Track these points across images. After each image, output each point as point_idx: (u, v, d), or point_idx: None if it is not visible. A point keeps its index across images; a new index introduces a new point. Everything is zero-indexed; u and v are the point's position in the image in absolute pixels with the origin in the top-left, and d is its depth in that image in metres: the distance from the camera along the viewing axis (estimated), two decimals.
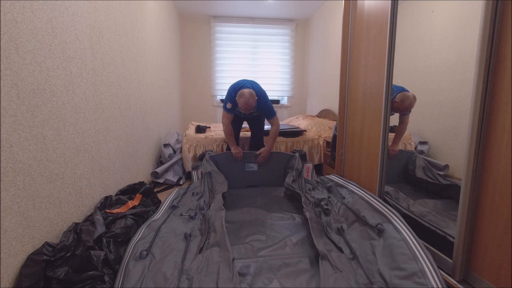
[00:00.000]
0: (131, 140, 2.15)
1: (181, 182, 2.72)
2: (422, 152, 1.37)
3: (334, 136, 2.38)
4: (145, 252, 1.17)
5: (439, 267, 1.17)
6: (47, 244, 1.08)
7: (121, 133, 1.94)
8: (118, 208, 1.55)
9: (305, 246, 1.40)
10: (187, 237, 1.38)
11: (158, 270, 1.11)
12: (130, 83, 2.11)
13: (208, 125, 3.68)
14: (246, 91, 2.19)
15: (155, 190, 2.36)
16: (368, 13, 1.71)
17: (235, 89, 2.30)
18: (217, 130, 3.38)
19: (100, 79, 1.62)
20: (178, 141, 3.24)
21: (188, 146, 2.85)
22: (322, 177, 2.16)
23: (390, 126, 1.56)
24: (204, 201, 1.89)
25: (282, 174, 2.48)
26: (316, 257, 1.29)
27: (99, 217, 1.32)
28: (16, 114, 0.98)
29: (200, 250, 1.28)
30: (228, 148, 2.62)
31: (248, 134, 2.96)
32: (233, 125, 2.47)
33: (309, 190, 2.08)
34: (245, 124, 3.05)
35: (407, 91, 1.45)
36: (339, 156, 2.14)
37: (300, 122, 3.71)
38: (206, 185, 2.08)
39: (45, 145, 1.14)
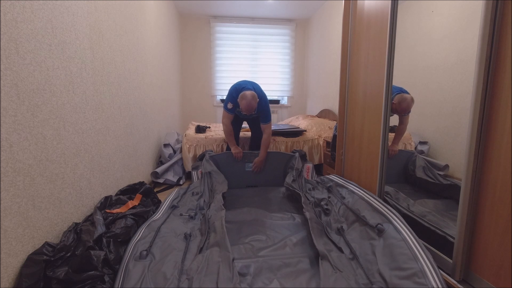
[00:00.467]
0: (131, 140, 2.15)
1: (181, 182, 2.72)
2: (422, 152, 1.37)
3: (334, 136, 2.38)
4: (145, 252, 1.17)
5: (439, 267, 1.17)
6: (47, 244, 1.08)
7: (121, 133, 1.94)
8: (118, 208, 1.55)
9: (305, 246, 1.40)
10: (187, 237, 1.38)
11: (158, 270, 1.11)
12: (130, 83, 2.11)
13: (208, 125, 3.68)
14: (248, 93, 2.19)
15: (155, 190, 2.36)
16: (368, 13, 1.71)
17: (237, 89, 2.30)
18: (217, 130, 3.38)
19: (100, 79, 1.62)
20: (178, 141, 3.24)
21: (188, 146, 2.85)
22: (322, 177, 2.16)
23: (390, 126, 1.56)
24: (204, 201, 1.89)
25: (282, 174, 2.48)
26: (316, 257, 1.29)
27: (99, 217, 1.32)
28: (16, 114, 0.98)
29: (200, 250, 1.28)
30: (228, 148, 2.62)
31: (248, 134, 2.96)
32: (233, 125, 2.47)
33: (309, 190, 2.08)
34: (245, 124, 3.05)
35: (406, 92, 1.45)
36: (339, 156, 2.14)
37: (300, 122, 3.71)
38: (206, 185, 2.08)
39: (45, 145, 1.14)
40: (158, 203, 1.83)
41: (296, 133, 3.09)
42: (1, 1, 0.92)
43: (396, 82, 1.50)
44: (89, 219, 1.34)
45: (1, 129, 0.91)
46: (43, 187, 1.12)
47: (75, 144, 1.36)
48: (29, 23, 1.05)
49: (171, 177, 2.65)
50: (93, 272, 1.02)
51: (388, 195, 1.58)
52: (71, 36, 1.33)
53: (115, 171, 1.83)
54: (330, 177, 2.04)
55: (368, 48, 1.72)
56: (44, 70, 1.13)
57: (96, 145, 1.58)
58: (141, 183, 1.88)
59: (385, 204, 1.40)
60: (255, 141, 2.71)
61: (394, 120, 1.55)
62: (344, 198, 1.69)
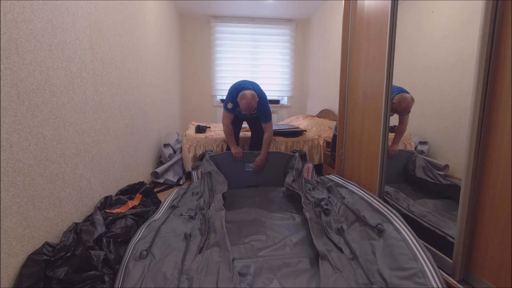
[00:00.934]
0: (131, 140, 2.15)
1: (181, 182, 2.72)
2: (422, 152, 1.37)
3: (334, 136, 2.38)
4: (145, 252, 1.17)
5: (439, 267, 1.17)
6: (47, 244, 1.08)
7: (121, 133, 1.94)
8: (118, 208, 1.55)
9: (305, 246, 1.40)
10: (187, 237, 1.38)
11: (158, 270, 1.11)
12: (130, 83, 2.11)
13: (208, 125, 3.68)
14: (248, 92, 2.19)
15: (155, 190, 2.36)
16: (368, 13, 1.71)
17: (236, 89, 2.30)
18: (217, 130, 3.38)
19: (100, 79, 1.62)
20: (178, 141, 3.24)
21: (188, 146, 2.85)
22: (322, 177, 2.16)
23: (390, 126, 1.56)
24: (204, 201, 1.89)
25: (282, 174, 2.48)
26: (316, 257, 1.29)
27: (99, 217, 1.32)
28: (16, 114, 0.98)
29: (200, 250, 1.28)
30: (228, 148, 2.62)
31: (248, 134, 2.96)
32: (233, 125, 2.47)
33: (309, 190, 2.08)
34: (245, 124, 3.05)
35: (406, 92, 1.45)
36: (339, 156, 2.14)
37: (300, 122, 3.71)
38: (206, 185, 2.08)
39: (45, 145, 1.14)
40: (158, 203, 1.83)
41: (296, 133, 3.09)
42: (1, 1, 0.92)
43: (396, 82, 1.50)
44: (89, 219, 1.34)
45: (1, 129, 0.91)
46: (43, 187, 1.12)
47: (75, 144, 1.36)
48: (29, 23, 1.05)
49: (171, 177, 2.65)
50: (93, 272, 1.02)
51: (388, 195, 1.58)
52: (71, 36, 1.33)
53: (115, 171, 1.83)
54: (330, 177, 2.04)
55: (368, 48, 1.72)
56: (44, 70, 1.13)
57: (96, 145, 1.58)
58: (141, 183, 1.88)
59: (385, 204, 1.40)
60: (255, 141, 2.72)
61: (394, 120, 1.55)
62: (344, 198, 1.69)
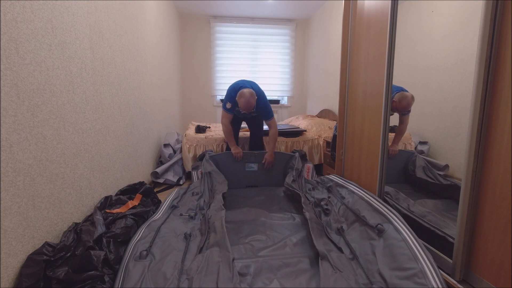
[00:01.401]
0: (131, 140, 2.15)
1: (181, 182, 2.72)
2: (422, 152, 1.37)
3: (334, 136, 2.38)
4: (145, 252, 1.17)
5: (439, 267, 1.17)
6: (47, 244, 1.08)
7: (121, 133, 1.94)
8: (118, 208, 1.55)
9: (305, 246, 1.40)
10: (187, 237, 1.38)
11: (158, 270, 1.11)
12: (130, 83, 2.11)
13: (208, 125, 3.68)
14: (246, 91, 2.20)
15: (155, 190, 2.36)
16: (368, 13, 1.71)
17: (235, 89, 2.31)
18: (217, 130, 3.38)
19: (100, 79, 1.62)
20: (178, 141, 3.24)
21: (188, 146, 2.85)
22: (322, 177, 2.16)
23: (390, 126, 1.56)
24: (204, 201, 1.89)
25: (282, 174, 2.48)
26: (316, 257, 1.29)
27: (99, 217, 1.32)
28: (16, 114, 0.98)
29: (200, 250, 1.28)
30: (228, 148, 2.62)
31: (248, 134, 2.96)
32: (232, 125, 2.48)
33: (309, 190, 2.08)
34: (244, 124, 3.05)
35: (406, 91, 1.45)
36: (339, 156, 2.14)
37: (300, 122, 3.71)
38: (206, 185, 2.08)
39: (45, 145, 1.14)
40: (158, 203, 1.83)
41: (296, 133, 3.09)
42: (1, 1, 0.92)
43: (396, 82, 1.50)
44: (89, 219, 1.33)
45: (1, 129, 0.91)
46: (43, 187, 1.12)
47: (75, 144, 1.36)
48: (29, 23, 1.05)
49: (171, 177, 2.65)
50: (93, 272, 1.02)
51: (388, 195, 1.58)
52: (71, 36, 1.33)
53: (115, 171, 1.83)
54: (330, 177, 2.04)
55: (368, 48, 1.72)
56: (44, 70, 1.13)
57: (96, 145, 1.58)
58: (141, 183, 1.88)
59: (385, 204, 1.40)
60: (254, 141, 2.72)
61: (394, 120, 1.55)
62: (344, 198, 1.69)
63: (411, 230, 1.18)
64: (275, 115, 5.14)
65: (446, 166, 1.23)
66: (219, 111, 5.07)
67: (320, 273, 1.12)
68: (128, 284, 1.01)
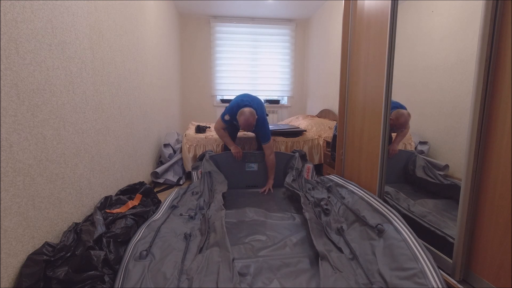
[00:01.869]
0: (131, 140, 2.15)
1: (181, 182, 2.72)
2: (422, 152, 1.37)
3: (334, 136, 2.38)
4: (145, 252, 1.17)
5: (439, 267, 1.17)
6: (47, 244, 1.08)
7: (121, 133, 1.94)
8: (118, 208, 1.55)
9: (305, 246, 1.40)
10: (187, 237, 1.38)
11: (158, 270, 1.11)
12: (130, 83, 2.11)
13: (208, 125, 3.68)
14: (247, 110, 2.18)
15: (155, 190, 2.36)
16: (368, 13, 1.71)
17: (239, 105, 2.28)
18: None
19: (100, 79, 1.62)
20: (178, 141, 3.24)
21: (188, 146, 2.85)
22: (322, 177, 2.16)
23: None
24: (204, 201, 1.89)
25: (282, 174, 2.48)
26: (316, 257, 1.29)
27: (99, 217, 1.32)
28: (16, 114, 0.98)
29: (200, 250, 1.28)
30: (226, 148, 2.62)
31: (248, 134, 2.96)
32: (230, 130, 2.48)
33: (309, 190, 2.08)
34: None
35: (404, 107, 1.46)
36: (339, 156, 2.14)
37: (300, 122, 3.71)
38: (206, 185, 2.08)
39: (45, 145, 1.14)
40: (158, 203, 1.83)
41: (296, 133, 3.09)
42: (1, 1, 0.92)
43: (396, 82, 1.50)
44: (89, 219, 1.33)
45: (1, 129, 0.91)
46: (43, 187, 1.12)
47: (75, 144, 1.36)
48: (29, 23, 1.05)
49: (171, 177, 2.65)
50: (93, 272, 1.02)
51: (388, 195, 1.58)
52: (71, 36, 1.33)
53: (115, 171, 1.83)
54: (330, 177, 2.04)
55: (368, 48, 1.72)
56: (44, 70, 1.13)
57: (96, 145, 1.58)
58: (141, 183, 1.88)
59: (385, 204, 1.40)
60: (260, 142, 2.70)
61: None
62: (344, 198, 1.69)
63: (411, 230, 1.18)
64: (275, 116, 5.17)
65: (446, 166, 1.23)
66: (219, 111, 5.07)
67: (320, 273, 1.12)
68: (128, 284, 1.01)
